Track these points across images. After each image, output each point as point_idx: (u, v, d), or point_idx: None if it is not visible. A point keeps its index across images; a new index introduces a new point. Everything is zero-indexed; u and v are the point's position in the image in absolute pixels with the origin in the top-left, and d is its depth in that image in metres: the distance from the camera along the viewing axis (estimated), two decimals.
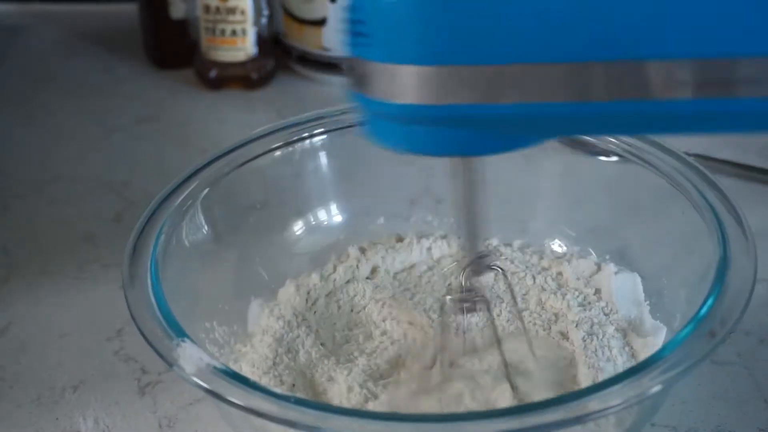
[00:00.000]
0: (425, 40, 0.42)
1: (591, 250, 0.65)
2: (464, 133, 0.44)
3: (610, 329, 0.59)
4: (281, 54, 0.98)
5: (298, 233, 0.67)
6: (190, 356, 0.49)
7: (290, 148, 0.66)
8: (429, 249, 0.67)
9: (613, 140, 0.62)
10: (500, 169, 0.51)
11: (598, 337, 0.58)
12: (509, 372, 0.54)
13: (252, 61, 0.94)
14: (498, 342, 0.55)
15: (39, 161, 0.86)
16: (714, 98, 0.41)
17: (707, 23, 0.40)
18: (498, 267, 0.56)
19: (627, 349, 0.58)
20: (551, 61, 0.42)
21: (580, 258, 0.65)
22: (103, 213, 0.78)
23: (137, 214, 0.77)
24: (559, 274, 0.64)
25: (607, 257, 0.65)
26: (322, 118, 0.66)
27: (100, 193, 0.81)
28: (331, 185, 0.69)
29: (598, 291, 0.62)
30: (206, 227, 0.62)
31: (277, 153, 0.65)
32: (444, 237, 0.68)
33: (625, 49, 0.41)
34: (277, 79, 0.97)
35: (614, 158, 0.64)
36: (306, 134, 0.66)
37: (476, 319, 0.56)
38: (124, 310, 0.67)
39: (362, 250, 0.67)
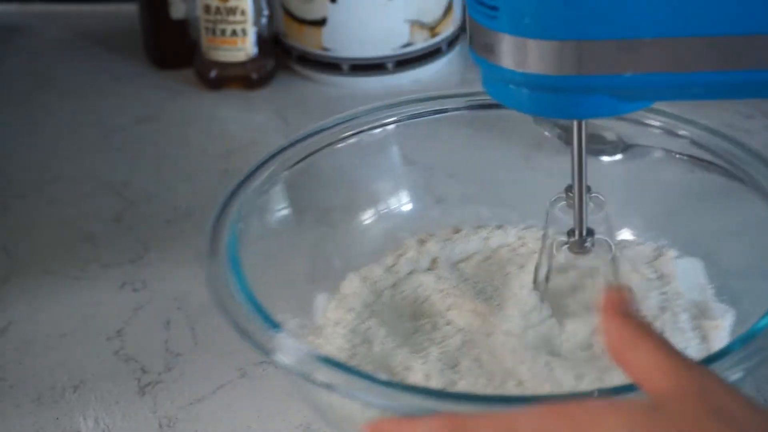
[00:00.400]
0: (552, 15, 0.46)
1: (651, 237, 0.66)
2: (582, 99, 0.49)
3: (680, 313, 0.59)
4: (281, 54, 0.98)
5: (365, 223, 0.68)
6: (287, 347, 0.49)
7: (362, 137, 0.67)
8: (486, 239, 0.68)
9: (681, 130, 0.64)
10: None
11: (669, 322, 0.58)
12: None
13: (252, 61, 0.94)
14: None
15: (39, 161, 0.86)
16: None
17: None
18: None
19: (698, 332, 0.58)
20: (663, 35, 0.46)
21: (639, 245, 0.65)
22: (103, 213, 0.78)
23: (137, 214, 0.78)
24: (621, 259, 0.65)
25: (667, 243, 0.65)
26: (393, 106, 0.67)
27: (100, 193, 0.81)
28: (396, 176, 0.69)
29: (661, 276, 0.63)
30: (282, 212, 0.63)
31: (352, 140, 0.66)
32: (500, 227, 0.68)
33: (730, 24, 0.45)
34: (277, 79, 0.97)
35: (618, 156, 0.67)
36: (377, 123, 0.67)
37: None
38: (124, 310, 0.68)
39: (420, 242, 0.67)
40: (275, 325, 0.51)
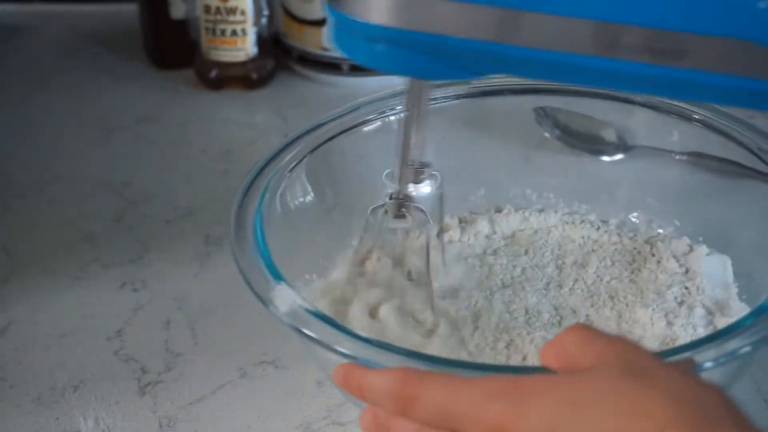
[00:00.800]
0: None
1: (684, 232, 0.66)
2: (422, 57, 0.47)
3: (697, 308, 0.60)
4: (281, 54, 0.98)
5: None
6: (285, 297, 0.51)
7: (388, 119, 0.67)
8: (527, 219, 0.69)
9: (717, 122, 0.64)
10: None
11: (684, 316, 0.59)
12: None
13: (252, 61, 0.94)
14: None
15: (39, 161, 0.86)
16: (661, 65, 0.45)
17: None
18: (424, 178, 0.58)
19: (711, 328, 0.58)
20: (507, 6, 0.45)
21: (674, 239, 0.66)
22: (103, 213, 0.78)
23: (137, 214, 0.78)
24: (652, 253, 0.65)
25: (700, 239, 0.65)
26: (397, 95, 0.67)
27: (100, 193, 0.81)
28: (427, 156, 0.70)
29: (688, 270, 0.63)
30: (308, 190, 0.63)
31: (377, 123, 0.66)
32: (541, 210, 0.69)
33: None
34: (277, 79, 0.97)
35: (618, 156, 0.67)
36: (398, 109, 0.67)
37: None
38: (124, 310, 0.68)
39: (462, 221, 0.68)
40: (278, 277, 0.53)
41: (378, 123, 0.66)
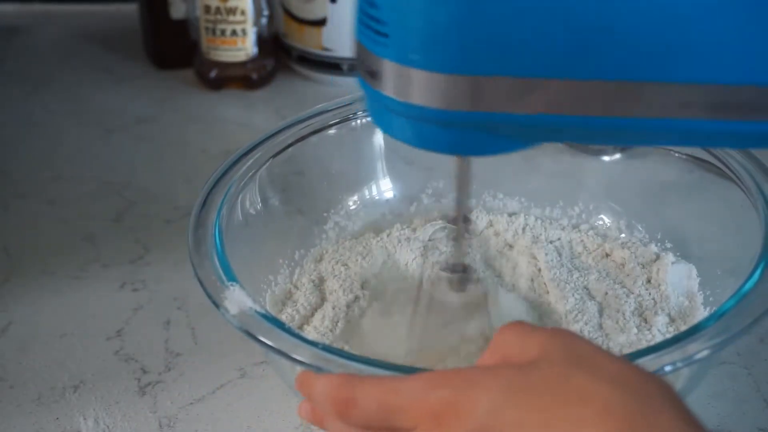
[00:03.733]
0: (444, 49, 0.43)
1: (650, 239, 0.66)
2: (467, 135, 0.46)
3: (660, 316, 0.59)
4: (281, 54, 0.98)
5: (352, 207, 0.69)
6: (236, 300, 0.52)
7: (344, 127, 0.67)
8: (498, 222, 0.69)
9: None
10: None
11: (645, 324, 0.59)
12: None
13: (252, 61, 0.94)
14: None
15: (39, 161, 0.86)
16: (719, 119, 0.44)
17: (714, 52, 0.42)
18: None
19: (669, 335, 0.58)
20: (557, 77, 0.43)
21: (641, 246, 0.66)
22: (103, 213, 0.78)
23: (137, 214, 0.78)
24: (617, 260, 0.65)
25: (669, 246, 0.65)
26: None
27: (100, 193, 0.81)
28: (385, 162, 0.70)
29: (650, 279, 0.63)
30: (267, 196, 0.64)
31: (333, 130, 0.67)
32: (513, 214, 0.70)
33: (629, 71, 0.43)
34: (277, 79, 0.97)
35: (617, 156, 0.67)
36: (360, 112, 0.67)
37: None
38: (124, 310, 0.68)
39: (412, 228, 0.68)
40: (232, 278, 0.53)
41: (339, 128, 0.67)
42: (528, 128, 0.45)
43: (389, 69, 0.44)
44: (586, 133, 0.46)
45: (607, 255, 0.66)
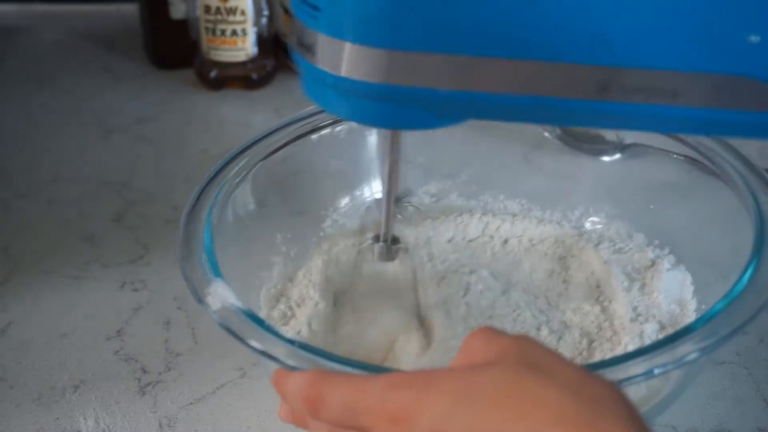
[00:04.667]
0: (375, 21, 0.44)
1: (648, 246, 0.66)
2: (399, 109, 0.46)
3: (650, 322, 0.59)
4: (281, 54, 0.98)
5: (347, 207, 0.69)
6: (220, 295, 0.52)
7: (338, 127, 0.67)
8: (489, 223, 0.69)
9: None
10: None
11: (636, 332, 0.59)
12: None
13: (252, 61, 0.94)
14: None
15: (39, 161, 0.86)
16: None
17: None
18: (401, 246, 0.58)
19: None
20: (488, 55, 0.44)
21: (636, 252, 0.66)
22: (103, 213, 0.78)
23: (137, 214, 0.78)
24: (613, 264, 0.65)
25: (666, 252, 0.65)
26: None
27: (100, 193, 0.81)
28: (373, 166, 0.70)
29: (644, 285, 0.63)
30: (261, 194, 0.64)
31: (326, 131, 0.67)
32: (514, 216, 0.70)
33: (554, 52, 0.43)
34: (277, 79, 0.97)
35: (617, 156, 0.67)
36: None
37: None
38: (124, 310, 0.68)
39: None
40: (218, 274, 0.53)
41: (333, 128, 0.67)
42: (455, 105, 0.45)
43: (323, 42, 0.45)
44: (516, 111, 0.46)
45: (605, 262, 0.65)
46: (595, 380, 0.39)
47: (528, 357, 0.40)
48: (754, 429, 0.57)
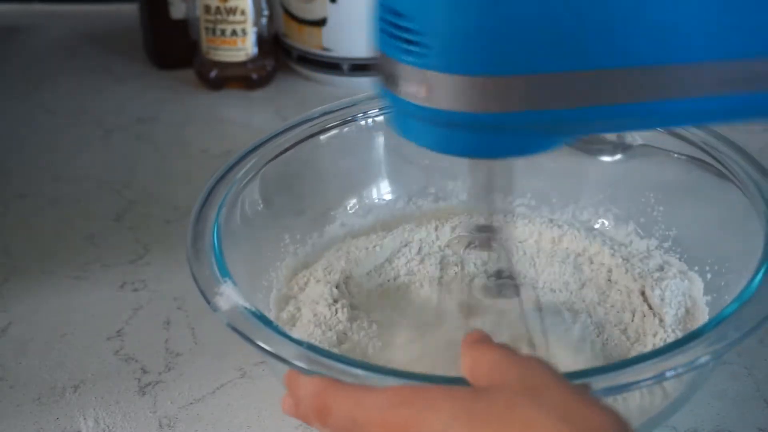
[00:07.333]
0: (474, 51, 0.43)
1: (656, 245, 0.66)
2: (494, 138, 0.46)
3: (655, 334, 0.59)
4: (281, 54, 0.98)
5: (355, 208, 0.69)
6: (228, 296, 0.52)
7: (346, 128, 0.67)
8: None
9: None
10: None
11: (641, 341, 0.59)
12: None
13: (252, 61, 0.94)
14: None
15: (39, 161, 0.86)
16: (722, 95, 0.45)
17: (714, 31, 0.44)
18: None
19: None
20: (583, 69, 0.43)
21: (644, 258, 0.65)
22: (103, 213, 0.78)
23: (137, 214, 0.78)
24: (625, 269, 0.65)
25: (672, 249, 0.65)
26: (376, 98, 0.67)
27: (100, 193, 0.81)
28: (385, 165, 0.70)
29: (653, 288, 0.62)
30: (269, 195, 0.64)
31: (333, 132, 0.67)
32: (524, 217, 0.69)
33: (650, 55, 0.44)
34: (277, 79, 0.97)
35: (618, 156, 0.67)
36: (360, 114, 0.68)
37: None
38: (124, 310, 0.68)
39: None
40: (226, 275, 0.53)
41: (340, 129, 0.67)
42: (556, 124, 0.45)
43: (415, 76, 0.44)
44: (615, 122, 0.47)
45: (610, 271, 0.65)
46: (594, 408, 0.39)
47: (529, 383, 0.40)
48: (754, 429, 0.57)
